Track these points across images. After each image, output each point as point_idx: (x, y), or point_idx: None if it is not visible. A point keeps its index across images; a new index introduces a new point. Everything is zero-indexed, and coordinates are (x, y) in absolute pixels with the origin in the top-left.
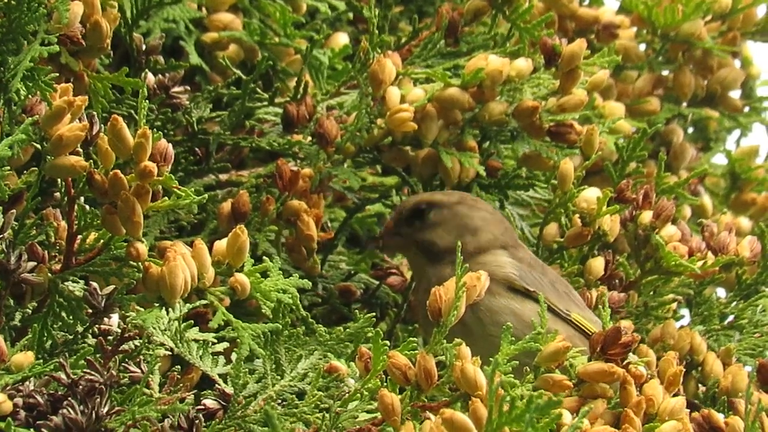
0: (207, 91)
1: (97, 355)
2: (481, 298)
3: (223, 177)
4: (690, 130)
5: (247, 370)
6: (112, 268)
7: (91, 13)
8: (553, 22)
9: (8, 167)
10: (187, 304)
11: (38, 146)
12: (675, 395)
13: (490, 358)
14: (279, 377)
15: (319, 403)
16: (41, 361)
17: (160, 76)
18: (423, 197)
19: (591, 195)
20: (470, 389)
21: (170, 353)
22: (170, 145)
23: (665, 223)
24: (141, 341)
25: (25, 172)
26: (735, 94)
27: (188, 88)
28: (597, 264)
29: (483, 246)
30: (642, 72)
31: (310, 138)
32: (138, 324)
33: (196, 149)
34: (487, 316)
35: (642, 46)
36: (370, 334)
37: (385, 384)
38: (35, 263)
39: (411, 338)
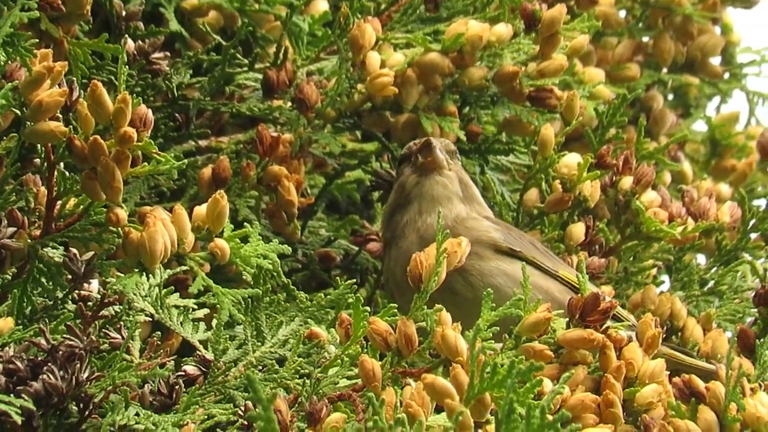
0: (187, 57)
1: (77, 321)
2: (470, 263)
3: (203, 143)
4: (670, 96)
5: (227, 336)
6: (91, 234)
7: None
8: None
9: None
10: (167, 270)
11: (18, 112)
12: (654, 357)
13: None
14: (259, 343)
15: (299, 369)
16: (21, 326)
17: (139, 42)
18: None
19: (571, 160)
20: (451, 355)
21: (150, 319)
22: (150, 110)
23: (645, 189)
24: (121, 307)
25: (4, 138)
26: (715, 61)
27: (168, 54)
28: (577, 229)
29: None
30: (622, 38)
31: (290, 103)
32: (118, 290)
33: (176, 115)
34: (478, 280)
35: (622, 13)
36: (350, 300)
37: (365, 350)
38: (15, 229)
39: (391, 304)
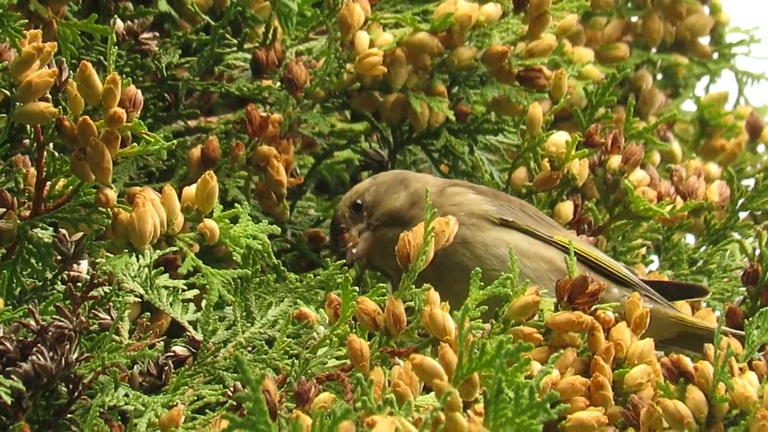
0: (176, 37)
1: (67, 302)
2: (472, 235)
3: (192, 123)
4: (659, 76)
5: (216, 317)
6: (81, 215)
7: None
8: None
9: None
10: (157, 251)
11: (7, 93)
12: (642, 337)
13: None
14: (249, 324)
15: (288, 349)
16: (10, 307)
17: (129, 22)
18: (350, 194)
19: (560, 139)
20: (439, 334)
21: (140, 300)
22: (139, 91)
23: (634, 168)
24: (110, 288)
25: None
26: (704, 41)
27: (157, 34)
28: (566, 208)
29: (441, 187)
30: (611, 18)
31: (279, 83)
32: (107, 270)
33: (165, 95)
34: (483, 251)
35: None
36: (339, 280)
37: (354, 330)
38: (4, 209)
39: (380, 284)
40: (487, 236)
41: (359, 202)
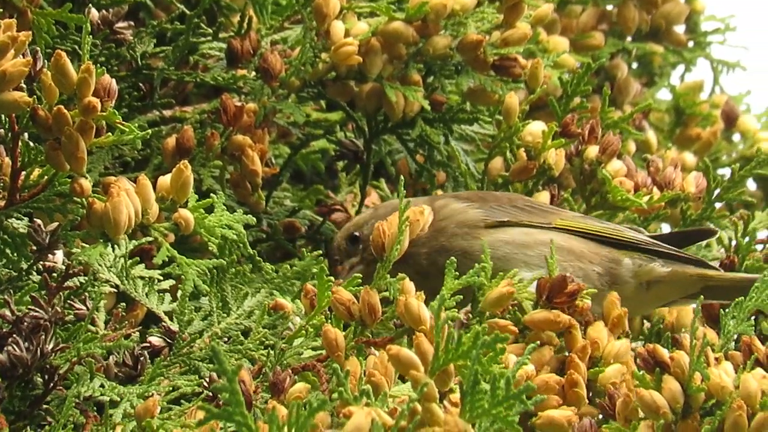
0: (151, 27)
1: (42, 292)
2: (470, 244)
3: (167, 112)
4: (634, 65)
5: (192, 307)
6: (56, 205)
7: None
8: None
9: None
10: (132, 241)
11: None
12: (619, 338)
13: None
14: (225, 314)
15: (264, 340)
16: None
17: (103, 11)
18: (348, 227)
19: (536, 128)
20: (414, 324)
21: (115, 290)
22: (114, 80)
23: (611, 158)
24: (86, 278)
25: None
26: (679, 29)
27: (132, 23)
28: (542, 198)
29: (429, 203)
30: (586, 6)
31: (254, 73)
32: (83, 260)
33: (140, 85)
34: (480, 253)
35: None
36: (315, 271)
37: (329, 320)
38: None
39: (355, 274)
40: (489, 240)
41: (357, 234)
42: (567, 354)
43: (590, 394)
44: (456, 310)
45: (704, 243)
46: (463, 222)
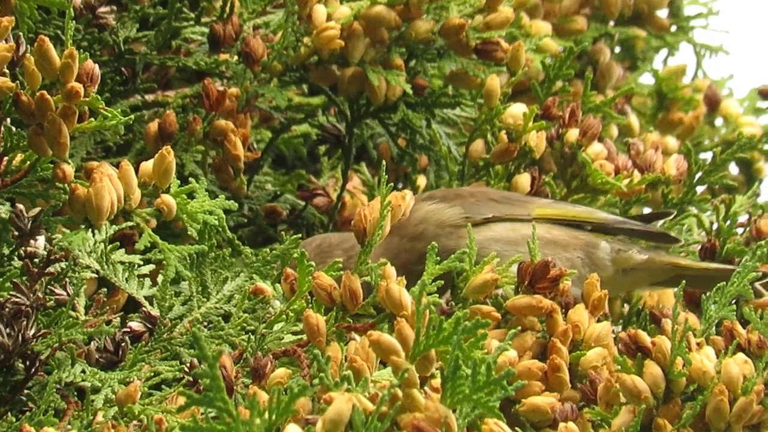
0: (133, 11)
1: (23, 278)
2: (457, 244)
3: (149, 97)
4: (617, 49)
5: (173, 292)
6: (38, 190)
7: None
8: None
9: None
10: (114, 226)
11: None
12: (599, 320)
13: None
14: (205, 299)
15: (244, 324)
16: None
17: None
18: None
19: (517, 111)
20: (395, 309)
21: (96, 276)
22: (97, 65)
23: (591, 141)
24: (67, 263)
25: None
26: (662, 14)
27: (114, 8)
28: (523, 180)
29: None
30: None
31: (236, 57)
32: (64, 246)
33: (123, 69)
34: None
35: None
36: (295, 255)
37: (310, 305)
38: None
39: (336, 259)
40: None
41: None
42: (548, 338)
43: (572, 378)
44: (438, 296)
45: (685, 227)
46: (443, 222)
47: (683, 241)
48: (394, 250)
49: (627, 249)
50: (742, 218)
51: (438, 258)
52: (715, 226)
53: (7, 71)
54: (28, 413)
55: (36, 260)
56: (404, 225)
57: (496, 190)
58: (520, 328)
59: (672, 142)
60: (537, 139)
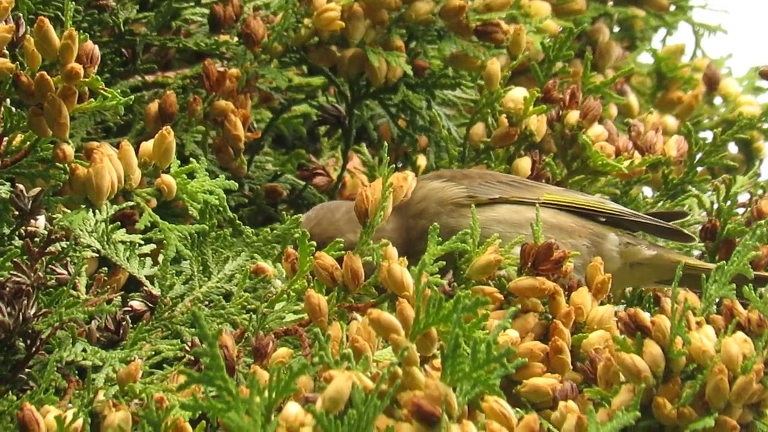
0: None
1: (24, 257)
2: (458, 222)
3: (149, 78)
4: (616, 29)
5: (174, 271)
6: (38, 170)
7: None
8: None
9: None
10: (114, 206)
11: None
12: (602, 303)
13: None
14: (206, 279)
15: (245, 304)
16: None
17: None
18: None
19: (518, 95)
20: (397, 290)
21: (97, 255)
22: (96, 46)
23: (592, 123)
24: (68, 243)
25: None
26: None
27: None
28: (524, 164)
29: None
30: None
31: (236, 38)
32: (65, 226)
33: (123, 50)
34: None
35: None
36: (296, 235)
37: (311, 285)
38: None
39: (338, 239)
40: (479, 217)
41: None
42: (551, 320)
43: (573, 361)
44: (439, 276)
45: (686, 207)
46: (444, 199)
47: (695, 240)
48: (401, 227)
49: (636, 243)
50: (743, 198)
51: (440, 239)
52: (715, 207)
53: (6, 52)
54: (28, 392)
55: (36, 240)
56: (408, 202)
57: (507, 175)
58: (521, 306)
59: (671, 121)
60: (537, 123)
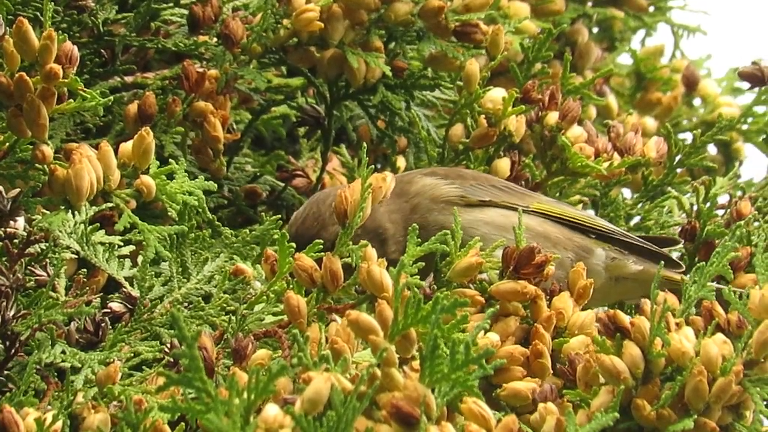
0: None
1: (3, 259)
2: (445, 219)
3: (128, 79)
4: (595, 30)
5: (153, 272)
6: (17, 171)
7: None
8: None
9: None
10: (93, 207)
11: None
12: (584, 309)
13: None
14: (185, 280)
15: (225, 305)
16: None
17: None
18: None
19: (497, 95)
20: (376, 291)
21: (76, 256)
22: (75, 47)
23: (571, 124)
24: (47, 244)
25: None
26: None
27: None
28: (503, 165)
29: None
30: None
31: (215, 39)
32: (44, 227)
33: (102, 51)
34: (464, 234)
35: None
36: (276, 236)
37: (291, 286)
38: None
39: (316, 240)
40: (465, 219)
41: None
42: (532, 324)
43: (554, 365)
44: (419, 278)
45: (665, 208)
46: (437, 197)
47: (683, 268)
48: (390, 219)
49: (622, 258)
50: (722, 199)
51: (419, 240)
52: (695, 208)
53: None
54: (8, 394)
55: (16, 241)
56: (404, 193)
57: (500, 180)
58: (501, 310)
59: (650, 122)
60: (516, 124)
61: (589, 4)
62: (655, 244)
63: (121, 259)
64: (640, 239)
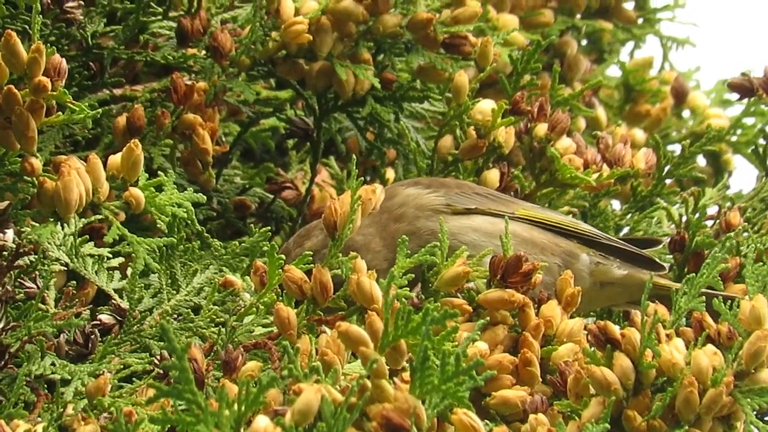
0: (101, 6)
1: None
2: (434, 227)
3: (117, 91)
4: (584, 42)
5: (142, 284)
6: (6, 184)
7: None
8: None
9: None
10: (82, 219)
11: None
12: (572, 317)
13: None
14: (174, 292)
15: (214, 317)
16: None
17: None
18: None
19: (486, 107)
20: (366, 302)
21: (65, 268)
22: (64, 60)
23: (560, 135)
24: (36, 256)
25: None
26: (629, 6)
27: (82, 2)
28: (492, 176)
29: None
30: None
31: (204, 52)
32: (33, 239)
33: (91, 64)
34: (451, 239)
35: None
36: (265, 248)
37: (280, 298)
38: None
39: (306, 252)
40: (453, 226)
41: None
42: (520, 332)
43: (543, 373)
44: (408, 289)
45: (654, 219)
46: (423, 206)
47: (666, 269)
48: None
49: (606, 263)
50: (712, 210)
51: (408, 251)
52: (684, 219)
53: None
54: None
55: (5, 253)
56: (387, 207)
57: (482, 187)
58: (490, 319)
59: (639, 134)
60: (506, 135)
61: (578, 16)
62: (637, 244)
63: (111, 271)
64: (623, 241)
